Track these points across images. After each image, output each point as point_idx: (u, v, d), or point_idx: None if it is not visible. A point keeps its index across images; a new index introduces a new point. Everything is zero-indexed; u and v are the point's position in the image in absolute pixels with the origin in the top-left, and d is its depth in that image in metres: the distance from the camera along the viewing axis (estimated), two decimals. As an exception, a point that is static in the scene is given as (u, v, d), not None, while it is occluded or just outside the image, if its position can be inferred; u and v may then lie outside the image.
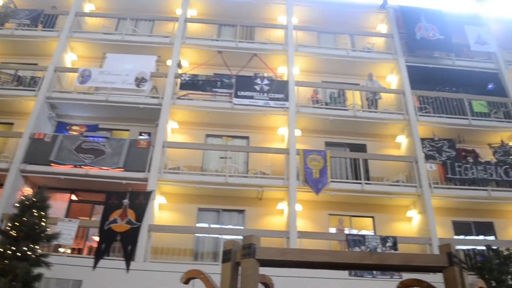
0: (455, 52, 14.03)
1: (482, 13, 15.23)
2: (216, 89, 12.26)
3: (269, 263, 3.57)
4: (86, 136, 11.40)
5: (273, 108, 12.06)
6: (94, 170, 10.77)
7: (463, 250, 11.06)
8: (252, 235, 3.55)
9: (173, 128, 12.43)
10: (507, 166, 11.96)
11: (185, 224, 10.94)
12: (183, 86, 12.32)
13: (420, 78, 13.26)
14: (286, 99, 12.15)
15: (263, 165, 11.68)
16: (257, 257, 3.39)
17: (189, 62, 13.63)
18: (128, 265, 9.51)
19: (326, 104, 12.69)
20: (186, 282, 3.81)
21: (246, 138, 12.72)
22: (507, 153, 12.32)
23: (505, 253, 9.86)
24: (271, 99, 12.21)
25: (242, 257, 3.41)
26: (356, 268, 4.24)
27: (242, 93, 12.17)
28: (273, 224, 11.27)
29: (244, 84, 12.37)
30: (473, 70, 13.88)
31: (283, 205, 11.33)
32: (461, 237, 11.89)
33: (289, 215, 10.68)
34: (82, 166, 10.76)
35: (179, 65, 12.85)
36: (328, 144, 12.71)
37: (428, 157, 11.96)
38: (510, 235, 11.91)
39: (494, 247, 10.18)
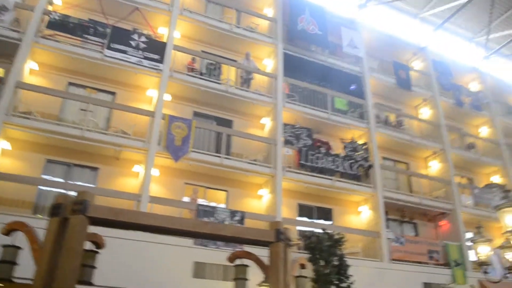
0: (329, 49, 16.62)
1: (358, 19, 18.16)
2: (88, 36, 12.62)
3: (102, 222, 3.71)
4: None
5: (146, 68, 12.94)
6: None
7: (304, 231, 13.65)
8: (86, 191, 3.68)
9: (32, 69, 12.47)
10: (352, 161, 14.88)
11: (29, 174, 11.19)
12: (51, 25, 12.37)
13: (293, 67, 15.51)
14: (161, 61, 13.12)
15: (125, 124, 12.50)
16: (88, 214, 3.51)
17: (63, 0, 13.60)
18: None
19: (201, 74, 14.02)
20: (7, 233, 3.83)
21: (113, 93, 13.39)
22: (355, 150, 15.26)
23: (336, 237, 12.51)
24: (146, 58, 13.04)
25: (71, 212, 3.52)
26: (191, 235, 5.24)
27: (116, 46, 12.75)
28: (126, 185, 12.24)
29: (119, 37, 12.94)
30: (341, 70, 16.69)
31: (139, 168, 12.35)
32: (304, 219, 14.43)
33: (144, 179, 11.70)
34: None
35: (50, 1, 12.80)
36: (196, 114, 14.14)
37: (287, 142, 14.21)
38: (344, 222, 14.91)
39: (329, 231, 12.80)
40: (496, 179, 19.08)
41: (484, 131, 20.46)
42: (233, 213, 12.39)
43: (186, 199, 13.05)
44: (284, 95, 14.82)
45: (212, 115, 14.56)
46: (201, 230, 4.61)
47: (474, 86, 21.43)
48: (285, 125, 14.54)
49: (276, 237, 4.96)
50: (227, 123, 14.60)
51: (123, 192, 11.71)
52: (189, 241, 11.00)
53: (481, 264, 9.02)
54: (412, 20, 21.75)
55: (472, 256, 14.72)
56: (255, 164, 13.46)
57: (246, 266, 5.73)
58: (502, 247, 8.97)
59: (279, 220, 5.05)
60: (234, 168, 13.10)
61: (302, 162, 14.13)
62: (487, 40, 22.00)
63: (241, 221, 12.44)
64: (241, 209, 12.71)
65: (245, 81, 14.79)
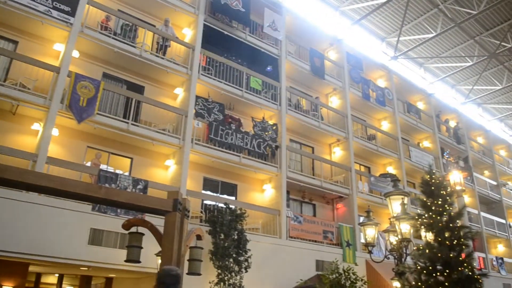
0: (250, 28, 16.89)
1: (283, 3, 18.61)
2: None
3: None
4: None
5: (55, 19, 12.21)
6: None
7: (208, 204, 13.88)
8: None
9: None
10: (260, 140, 15.41)
11: None
12: None
13: (212, 40, 15.61)
14: (72, 14, 12.47)
15: (26, 77, 11.74)
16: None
17: None
18: None
19: (115, 34, 13.54)
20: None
21: (15, 42, 12.50)
22: (264, 129, 15.81)
23: (238, 212, 12.96)
24: (56, 8, 12.29)
25: None
26: (84, 199, 5.12)
27: (22, -9, 11.84)
28: (22, 144, 11.55)
29: (26, -19, 12.01)
30: (260, 50, 17.08)
31: (38, 126, 11.73)
32: (208, 192, 14.72)
33: (42, 138, 11.14)
34: None
35: None
36: (105, 75, 13.72)
37: (198, 115, 14.34)
38: (248, 198, 15.46)
39: (232, 206, 13.21)
40: (391, 169, 20.89)
41: (385, 125, 22.23)
42: (136, 181, 12.27)
43: (87, 163, 12.67)
44: (200, 67, 14.87)
45: (123, 79, 14.21)
46: (94, 194, 4.57)
47: (381, 83, 23.09)
48: (198, 97, 14.64)
49: (174, 206, 5.02)
50: (138, 89, 14.35)
51: (18, 150, 11.01)
52: (87, 207, 10.77)
53: (367, 245, 9.98)
54: (333, 11, 22.77)
55: (362, 238, 16.09)
56: (164, 133, 13.42)
57: (141, 234, 5.82)
58: (387, 230, 9.98)
59: (178, 190, 5.10)
60: (141, 135, 12.96)
61: (211, 136, 14.35)
62: (398, 41, 23.74)
63: (144, 190, 12.36)
64: (146, 178, 12.63)
65: (161, 48, 14.58)
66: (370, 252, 10.05)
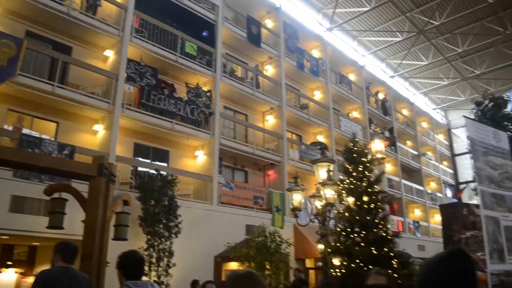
0: (186, -10, 16.46)
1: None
2: None
3: None
4: None
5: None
6: None
7: (140, 170, 13.74)
8: None
9: None
10: (194, 106, 15.34)
11: None
12: None
13: (146, 1, 15.02)
14: (-12, -36, 11.47)
15: None
16: None
17: None
18: None
19: (39, -11, 12.64)
20: None
21: None
22: (199, 95, 15.73)
23: (169, 178, 12.96)
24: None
25: None
26: (1, 163, 4.93)
27: None
28: None
29: None
30: (196, 14, 16.76)
31: (-48, 85, 10.91)
32: (139, 158, 14.56)
33: (-43, 97, 10.46)
34: None
35: None
36: (29, 34, 12.89)
37: (129, 79, 13.97)
38: (180, 165, 15.49)
39: (163, 172, 13.16)
40: (321, 138, 21.69)
41: (318, 95, 22.86)
42: (62, 146, 11.85)
43: (9, 127, 12.03)
44: (133, 30, 14.38)
45: (49, 38, 13.42)
46: (12, 158, 4.42)
47: (315, 53, 23.54)
48: (130, 61, 14.22)
49: (99, 171, 4.93)
50: (66, 50, 13.65)
51: None
52: (8, 173, 10.31)
53: (294, 210, 10.45)
54: (270, -22, 22.64)
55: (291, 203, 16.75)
56: (93, 97, 12.98)
57: (65, 200, 5.71)
58: (313, 196, 10.48)
59: (103, 155, 4.99)
60: (68, 99, 12.43)
61: (143, 101, 14.07)
62: (334, 13, 24.19)
63: (70, 155, 11.98)
64: (73, 143, 12.22)
65: (91, 6, 13.85)
66: (296, 217, 10.57)
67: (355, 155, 8.24)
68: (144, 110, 14.05)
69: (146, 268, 11.31)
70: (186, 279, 10.66)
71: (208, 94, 16.12)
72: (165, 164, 15.23)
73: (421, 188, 28.56)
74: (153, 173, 13.13)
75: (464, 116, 6.91)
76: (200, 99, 15.80)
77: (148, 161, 14.88)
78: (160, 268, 11.60)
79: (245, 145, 17.24)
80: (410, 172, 29.37)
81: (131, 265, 3.56)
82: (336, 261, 9.75)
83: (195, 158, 16.16)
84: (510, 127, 15.42)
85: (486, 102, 16.18)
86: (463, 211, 8.01)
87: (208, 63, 16.58)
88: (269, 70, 20.45)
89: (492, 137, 6.63)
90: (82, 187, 5.25)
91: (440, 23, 24.80)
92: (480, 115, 15.95)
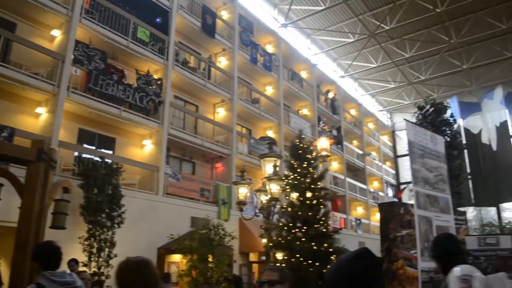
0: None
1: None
2: None
3: None
4: None
5: None
6: None
7: (84, 157, 13.33)
8: None
9: None
10: (143, 94, 15.06)
11: None
12: None
13: (98, -18, 14.48)
14: None
15: None
16: None
17: None
18: None
19: (-19, -41, 11.93)
20: None
21: None
22: (149, 83, 15.45)
23: (114, 166, 12.65)
24: None
25: None
26: None
27: None
28: None
29: None
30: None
31: None
32: (84, 145, 14.11)
33: None
34: None
35: None
36: (-33, 6, 12.07)
37: (76, 61, 13.49)
38: (126, 153, 15.18)
39: (108, 160, 12.83)
40: (270, 133, 21.94)
41: (269, 90, 23.09)
42: (0, 128, 11.29)
43: None
44: (83, 10, 13.86)
45: (-10, 14, 12.67)
46: None
47: (269, 48, 23.73)
48: (78, 42, 13.72)
49: (38, 156, 4.73)
50: (9, 26, 12.91)
51: None
52: None
53: (239, 203, 10.54)
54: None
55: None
56: (36, 78, 12.40)
57: (0, 185, 5.47)
58: (259, 190, 10.61)
59: (43, 139, 4.78)
60: (9, 78, 11.78)
61: (90, 85, 13.63)
62: (289, 9, 24.45)
63: (9, 138, 11.44)
64: (13, 126, 11.62)
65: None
66: (241, 210, 10.68)
67: (301, 152, 8.41)
68: (91, 94, 13.61)
69: (86, 258, 11.04)
70: (128, 270, 10.47)
71: (159, 82, 15.87)
72: (110, 152, 14.87)
73: (364, 186, 29.59)
74: (97, 161, 12.77)
75: (405, 119, 7.25)
76: (150, 87, 15.52)
77: (93, 148, 14.45)
78: (100, 259, 11.34)
79: (194, 137, 17.13)
80: (354, 171, 30.35)
81: (47, 256, 3.45)
82: (279, 256, 9.97)
83: (142, 147, 15.88)
84: (448, 132, 16.33)
85: (428, 107, 17.01)
86: (400, 210, 8.41)
87: (160, 51, 16.30)
88: (222, 62, 20.40)
89: (429, 140, 7.01)
90: (21, 172, 5.05)
91: (390, 28, 25.71)
92: (421, 119, 16.75)
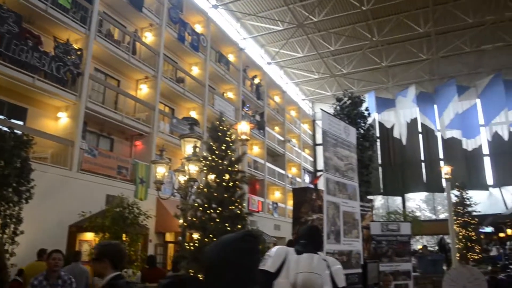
0: None
1: None
2: None
3: None
4: None
5: None
6: None
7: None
8: None
9: None
10: (61, 64, 14.32)
11: None
12: None
13: None
14: None
15: None
16: None
17: None
18: None
19: None
20: None
21: None
22: (67, 53, 14.70)
23: (24, 138, 11.92)
24: None
25: None
26: None
27: None
28: None
29: None
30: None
31: None
32: (-10, 113, 13.17)
33: None
34: None
35: None
36: None
37: (-15, 22, 12.41)
38: (37, 125, 14.37)
39: (17, 131, 12.06)
40: (194, 114, 21.87)
41: (195, 70, 22.92)
42: None
43: None
44: (-5, -33, 12.81)
45: None
46: None
47: (198, 28, 23.48)
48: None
49: None
50: None
51: None
52: None
53: (156, 183, 10.54)
54: None
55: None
56: None
57: None
58: (177, 170, 10.65)
59: None
60: None
61: (1, 50, 12.69)
62: (221, -10, 24.32)
63: None
64: None
65: None
66: (159, 190, 10.69)
67: (220, 134, 8.54)
68: (1, 60, 12.68)
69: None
70: (35, 248, 10.08)
71: (79, 53, 15.14)
72: (21, 123, 14.01)
73: (283, 172, 30.55)
74: (5, 131, 11.99)
75: (321, 109, 7.66)
76: (69, 57, 14.75)
77: (1, 117, 13.52)
78: (5, 236, 10.74)
79: (114, 112, 16.62)
80: (274, 156, 31.20)
81: None
82: (196, 236, 10.12)
83: (57, 120, 15.14)
84: (362, 124, 17.33)
85: (345, 99, 17.88)
86: (312, 196, 8.91)
87: (82, 20, 15.51)
88: (149, 37, 19.88)
89: (343, 131, 7.49)
90: None
91: (318, 20, 26.50)
92: (339, 110, 17.59)
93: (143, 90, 19.06)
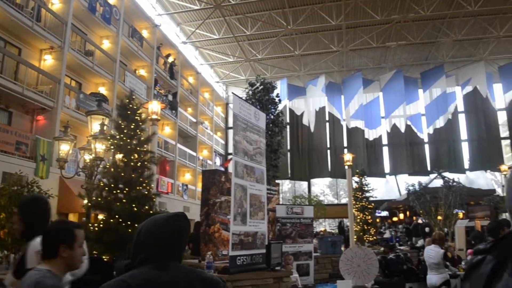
0: None
1: None
2: None
3: None
4: None
5: None
6: None
7: None
8: None
9: None
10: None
11: None
12: None
13: None
14: None
15: None
16: None
17: None
18: None
19: None
20: None
21: None
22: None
23: None
24: None
25: None
26: None
27: None
28: None
29: None
30: None
31: None
32: None
33: None
34: None
35: None
36: None
37: None
38: None
39: None
40: (103, 90, 20.95)
41: (106, 44, 21.88)
42: None
43: None
44: None
45: None
46: None
47: (110, -1, 22.39)
48: None
49: None
50: None
51: None
52: None
53: (59, 161, 10.06)
54: None
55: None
56: None
57: None
58: (82, 148, 10.24)
59: None
60: None
61: None
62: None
63: None
64: None
65: None
66: (62, 168, 10.21)
67: (130, 112, 8.34)
68: None
69: None
70: None
71: (-26, 14, 13.77)
72: None
73: (194, 154, 30.48)
74: None
75: (233, 93, 7.80)
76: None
77: None
78: None
79: (13, 83, 15.39)
80: (186, 138, 30.99)
81: None
82: (101, 217, 9.82)
83: None
84: (273, 110, 17.89)
85: (258, 84, 18.27)
86: (221, 178, 9.08)
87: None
88: (56, 4, 18.56)
89: (253, 115, 7.71)
90: None
91: (235, 3, 26.55)
92: (251, 95, 17.94)
93: (48, 61, 17.83)
